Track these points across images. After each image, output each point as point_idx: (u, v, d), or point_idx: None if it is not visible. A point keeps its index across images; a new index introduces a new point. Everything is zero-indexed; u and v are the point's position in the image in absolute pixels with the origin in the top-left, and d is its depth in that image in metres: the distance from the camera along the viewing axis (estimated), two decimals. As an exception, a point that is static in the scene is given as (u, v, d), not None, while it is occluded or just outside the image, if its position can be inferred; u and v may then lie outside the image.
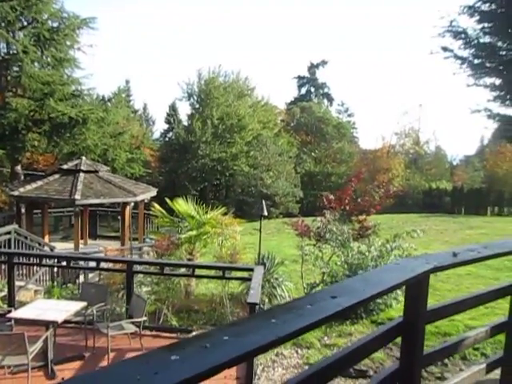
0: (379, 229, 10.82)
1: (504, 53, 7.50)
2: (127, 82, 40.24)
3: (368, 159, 36.79)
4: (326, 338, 7.11)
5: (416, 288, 2.36)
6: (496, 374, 3.40)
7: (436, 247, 15.63)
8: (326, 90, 51.80)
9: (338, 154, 39.09)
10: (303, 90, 51.84)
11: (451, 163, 46.02)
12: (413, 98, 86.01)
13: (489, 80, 8.02)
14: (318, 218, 9.88)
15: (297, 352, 6.65)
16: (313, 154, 38.68)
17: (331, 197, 9.86)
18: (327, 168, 38.17)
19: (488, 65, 7.61)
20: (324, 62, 51.24)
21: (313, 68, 51.47)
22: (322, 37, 78.36)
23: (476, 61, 7.67)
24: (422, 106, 41.74)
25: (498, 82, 8.03)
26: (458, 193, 34.70)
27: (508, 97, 7.91)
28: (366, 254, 8.62)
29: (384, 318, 7.99)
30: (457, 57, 7.79)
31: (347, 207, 9.55)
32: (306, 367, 6.18)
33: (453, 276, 10.29)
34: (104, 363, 5.99)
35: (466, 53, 7.83)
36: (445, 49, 7.92)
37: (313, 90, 51.76)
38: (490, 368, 3.27)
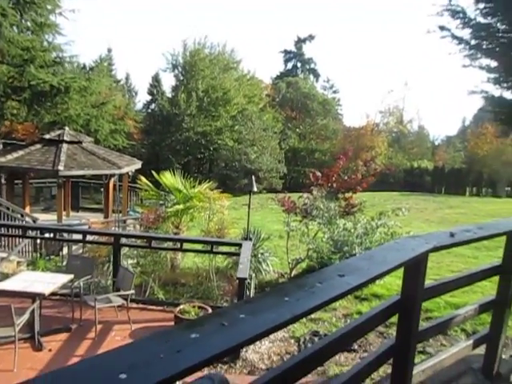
0: (364, 206, 10.96)
1: (501, 34, 7.48)
2: (109, 50, 39.02)
3: (352, 136, 36.95)
4: (311, 313, 7.22)
5: (415, 267, 2.40)
6: (481, 349, 3.52)
7: (417, 225, 15.94)
8: (312, 66, 51.29)
9: (322, 130, 39.14)
10: (289, 65, 51.24)
11: (433, 143, 46.67)
12: (398, 77, 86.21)
13: (484, 61, 8.01)
14: (305, 195, 9.92)
15: (283, 326, 6.74)
16: (297, 130, 38.63)
17: (318, 174, 9.89)
18: (311, 144, 38.24)
19: (485, 46, 7.59)
20: (311, 37, 50.56)
21: (299, 43, 50.75)
22: (310, 11, 77.25)
23: (473, 41, 7.64)
24: (407, 85, 41.75)
25: (493, 64, 8.02)
26: (439, 172, 35.32)
27: (502, 79, 7.93)
28: (352, 230, 8.71)
29: (367, 293, 8.12)
30: (454, 36, 7.74)
31: (334, 184, 9.61)
32: (292, 341, 6.30)
33: (434, 254, 10.49)
34: (91, 335, 6.00)
35: (463, 33, 7.78)
36: (442, 28, 7.85)
37: (299, 65, 51.19)
38: (476, 344, 3.38)
